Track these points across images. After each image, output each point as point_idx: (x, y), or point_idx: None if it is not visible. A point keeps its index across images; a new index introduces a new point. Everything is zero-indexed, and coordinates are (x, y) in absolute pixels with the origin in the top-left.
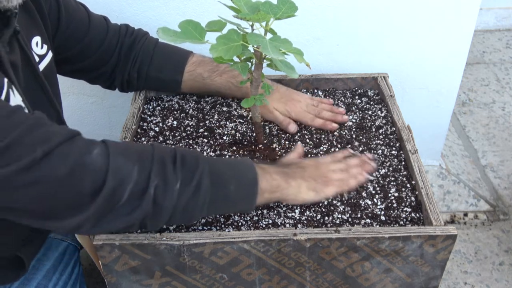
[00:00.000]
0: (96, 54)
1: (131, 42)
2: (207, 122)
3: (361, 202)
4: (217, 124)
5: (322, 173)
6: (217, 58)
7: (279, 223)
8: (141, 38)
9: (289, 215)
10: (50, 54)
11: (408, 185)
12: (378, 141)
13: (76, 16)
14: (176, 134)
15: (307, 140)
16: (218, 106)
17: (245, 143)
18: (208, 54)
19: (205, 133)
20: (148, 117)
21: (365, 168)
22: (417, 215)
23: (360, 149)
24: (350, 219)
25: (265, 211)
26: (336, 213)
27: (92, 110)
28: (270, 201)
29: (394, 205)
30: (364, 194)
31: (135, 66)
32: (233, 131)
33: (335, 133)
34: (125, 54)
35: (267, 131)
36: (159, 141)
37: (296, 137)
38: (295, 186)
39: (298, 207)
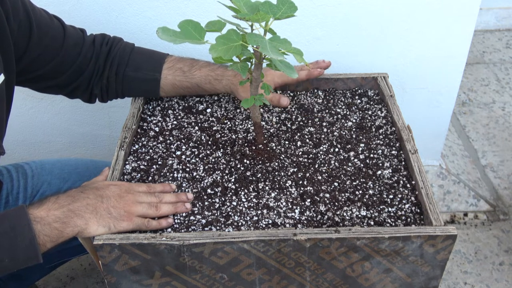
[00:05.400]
0: (71, 68)
1: (108, 50)
2: (207, 122)
3: (360, 202)
4: (217, 124)
5: (123, 205)
6: (216, 58)
7: (279, 223)
8: (117, 44)
9: (289, 215)
10: (0, 78)
11: (408, 185)
12: (378, 141)
13: (49, 32)
14: (176, 134)
15: (307, 140)
16: (218, 106)
17: (245, 143)
18: (208, 54)
19: (205, 133)
20: (148, 117)
21: (177, 209)
22: (417, 215)
23: (360, 149)
24: (350, 219)
25: (265, 211)
26: (336, 212)
27: (92, 110)
28: (59, 243)
29: (394, 205)
30: (364, 194)
31: (113, 69)
32: (233, 131)
33: (335, 133)
34: (102, 62)
35: (267, 131)
36: (159, 141)
37: (296, 137)
38: (81, 224)
39: (298, 207)
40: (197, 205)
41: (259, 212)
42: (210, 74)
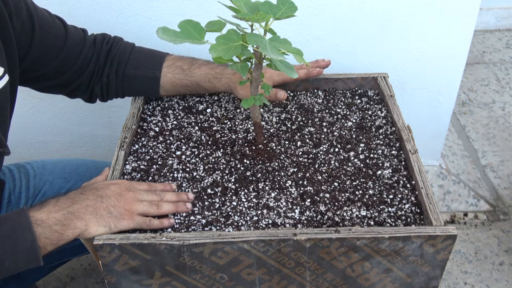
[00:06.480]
0: (72, 68)
1: (108, 49)
2: (207, 122)
3: (360, 202)
4: (217, 124)
5: (124, 204)
6: (216, 58)
7: (279, 223)
8: (117, 43)
9: (289, 215)
10: (5, 78)
11: (408, 185)
12: (378, 141)
13: (51, 32)
14: (176, 134)
15: (307, 140)
16: (218, 106)
17: (245, 143)
18: (208, 54)
19: (205, 133)
20: (148, 117)
21: (178, 208)
22: (417, 215)
23: (360, 149)
24: (350, 219)
25: (265, 211)
26: (337, 212)
27: (92, 110)
28: (59, 246)
29: (394, 205)
30: (364, 194)
31: (113, 68)
32: (233, 131)
33: (335, 133)
34: (102, 61)
35: (267, 131)
36: (159, 141)
37: (296, 137)
38: (81, 226)
39: (298, 207)
40: (197, 205)
41: (259, 212)
42: (209, 72)
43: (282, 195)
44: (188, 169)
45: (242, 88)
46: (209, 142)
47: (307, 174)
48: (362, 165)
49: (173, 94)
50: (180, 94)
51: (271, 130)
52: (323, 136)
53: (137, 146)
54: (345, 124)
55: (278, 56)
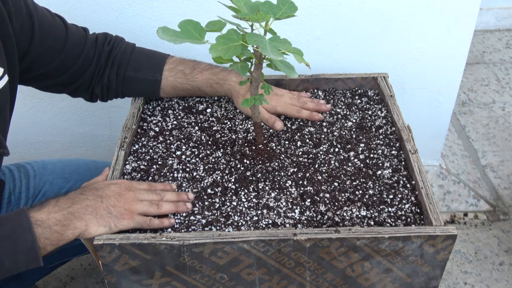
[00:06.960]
0: (73, 68)
1: (109, 49)
2: (207, 122)
3: (360, 202)
4: (217, 124)
5: (124, 204)
6: (216, 58)
7: (279, 223)
8: (118, 43)
9: (289, 215)
10: (5, 78)
11: (408, 185)
12: (378, 141)
13: (51, 32)
14: (176, 134)
15: (307, 140)
16: (218, 106)
17: (245, 143)
18: (208, 54)
19: (205, 133)
20: (148, 117)
21: (179, 208)
22: (417, 215)
23: (360, 149)
24: (350, 219)
25: (265, 211)
26: (337, 212)
27: (92, 110)
28: (59, 246)
29: (394, 205)
30: (364, 194)
31: (114, 68)
32: (233, 131)
33: (335, 133)
34: (104, 61)
35: (267, 131)
36: (159, 141)
37: (296, 137)
38: (81, 226)
39: (298, 207)
40: (197, 205)
41: (259, 212)
42: (212, 77)
43: (282, 195)
44: (188, 169)
45: (244, 97)
46: (209, 142)
47: (307, 174)
48: (362, 165)
49: (173, 96)
50: (180, 96)
51: (271, 130)
52: (323, 136)
53: (137, 146)
54: (345, 124)
55: (278, 56)
